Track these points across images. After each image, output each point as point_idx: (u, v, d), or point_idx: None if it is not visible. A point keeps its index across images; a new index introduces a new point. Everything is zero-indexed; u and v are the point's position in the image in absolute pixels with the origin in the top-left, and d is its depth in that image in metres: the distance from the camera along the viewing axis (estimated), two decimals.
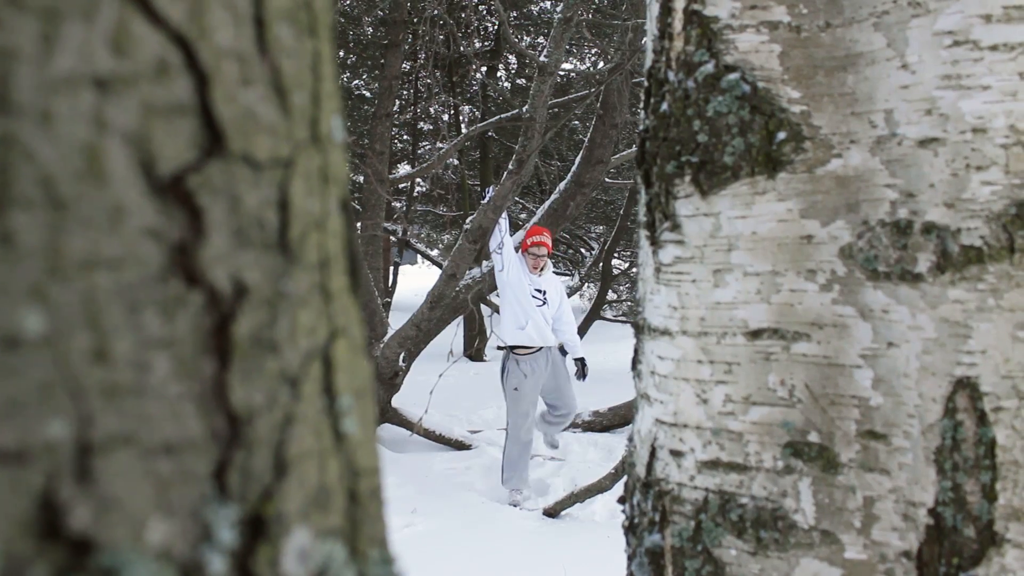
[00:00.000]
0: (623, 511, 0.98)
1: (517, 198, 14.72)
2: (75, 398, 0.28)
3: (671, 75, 0.86)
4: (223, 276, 0.32)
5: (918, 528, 0.76)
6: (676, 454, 0.88)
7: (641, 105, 0.93)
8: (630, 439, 0.99)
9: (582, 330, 11.00)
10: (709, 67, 0.83)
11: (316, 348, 0.35)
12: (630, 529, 0.95)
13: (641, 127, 0.91)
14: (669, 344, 0.88)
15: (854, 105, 0.78)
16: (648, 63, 0.91)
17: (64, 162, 0.27)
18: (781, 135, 0.80)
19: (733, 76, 0.81)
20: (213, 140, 0.31)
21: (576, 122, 15.15)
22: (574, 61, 13.32)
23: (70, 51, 0.27)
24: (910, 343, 0.76)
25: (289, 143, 0.34)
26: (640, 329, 0.95)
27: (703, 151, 0.83)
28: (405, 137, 16.22)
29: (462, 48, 8.85)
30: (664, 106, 0.86)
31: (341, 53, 13.75)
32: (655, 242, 0.89)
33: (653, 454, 0.91)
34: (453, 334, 6.85)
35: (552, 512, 5.33)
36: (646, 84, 0.91)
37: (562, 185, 6.97)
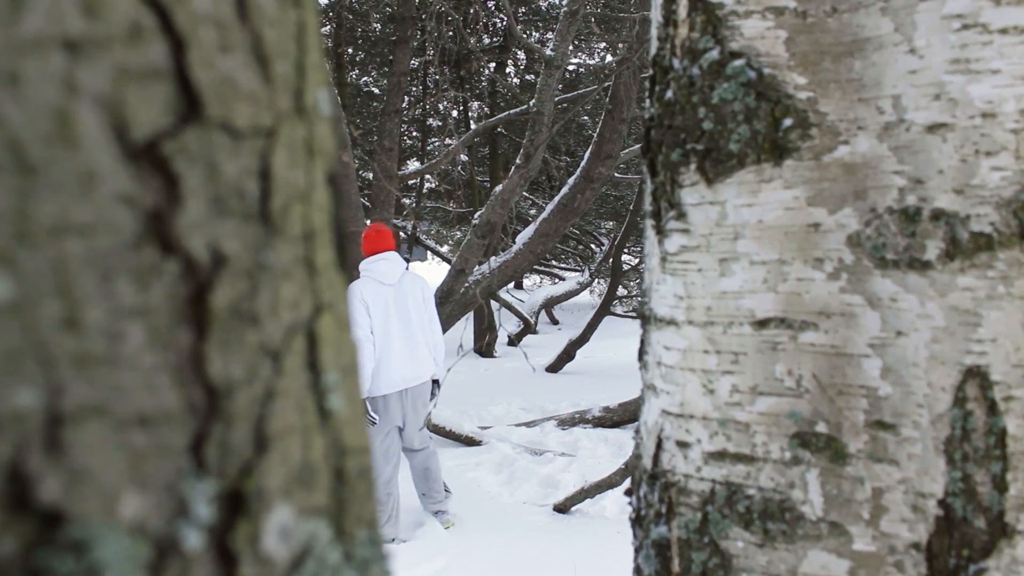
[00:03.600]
0: (630, 503, 0.97)
1: (526, 193, 14.71)
2: (45, 367, 0.27)
3: (676, 62, 0.85)
4: (200, 245, 0.31)
5: (927, 519, 0.76)
6: (682, 445, 0.87)
7: (646, 94, 0.92)
8: (637, 431, 0.98)
9: (592, 326, 11.00)
10: (714, 54, 0.82)
11: (300, 322, 0.34)
12: (637, 521, 0.94)
13: (646, 115, 0.90)
14: (675, 334, 0.87)
15: (861, 91, 0.77)
16: (653, 51, 0.90)
17: (33, 125, 0.27)
18: (787, 122, 0.79)
19: (738, 62, 0.80)
20: (190, 106, 0.30)
21: (585, 117, 15.13)
22: (582, 56, 13.31)
23: (39, 12, 0.26)
24: (919, 332, 0.75)
25: (271, 112, 0.33)
26: (646, 319, 0.94)
27: (708, 139, 0.82)
28: (414, 134, 16.23)
29: (470, 44, 8.85)
30: (669, 94, 0.86)
31: (350, 50, 13.76)
32: (661, 231, 0.89)
33: (659, 445, 0.90)
34: (462, 329, 6.84)
35: (562, 508, 5.33)
36: (651, 72, 0.90)
37: (571, 180, 6.96)
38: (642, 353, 0.96)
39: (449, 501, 5.14)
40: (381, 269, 4.79)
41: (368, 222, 8.27)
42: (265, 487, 0.32)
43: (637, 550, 0.93)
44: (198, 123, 0.30)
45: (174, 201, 0.30)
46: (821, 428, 0.79)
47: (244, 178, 0.32)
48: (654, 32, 0.90)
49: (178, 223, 0.30)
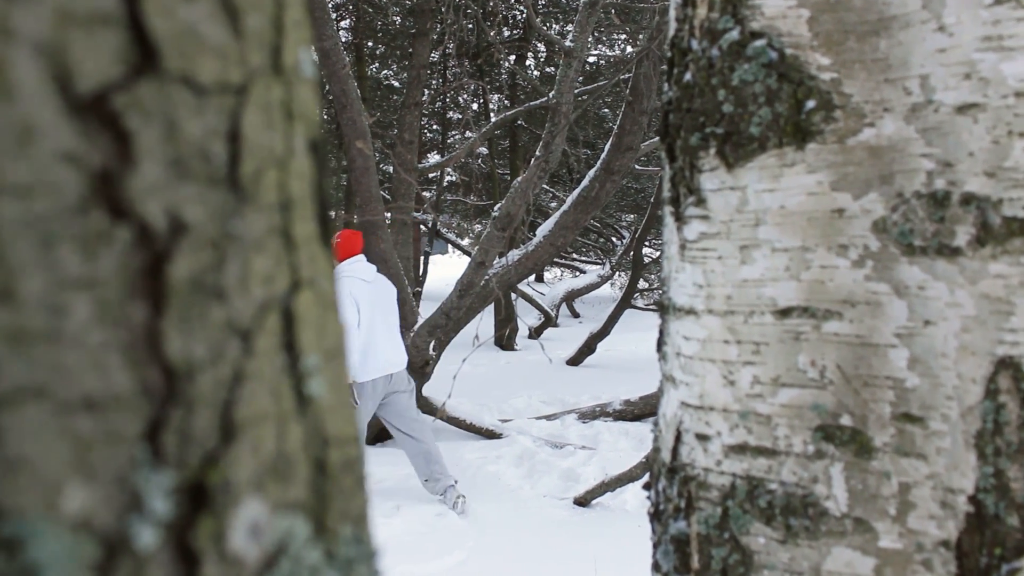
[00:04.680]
0: (648, 497, 0.95)
1: (547, 186, 14.68)
2: None
3: (694, 44, 0.82)
4: (156, 210, 0.28)
5: (957, 516, 0.73)
6: (702, 438, 0.84)
7: (664, 78, 0.89)
8: (655, 424, 0.96)
9: (613, 319, 10.96)
10: (734, 34, 0.79)
11: (274, 298, 0.32)
12: (655, 516, 0.92)
13: (664, 99, 0.88)
14: (694, 324, 0.85)
15: (887, 71, 0.74)
16: (671, 32, 0.87)
17: None
18: (810, 104, 0.76)
19: (759, 43, 0.78)
20: (144, 57, 0.28)
21: (606, 110, 15.08)
22: (603, 48, 13.24)
23: None
24: (948, 321, 0.72)
25: (242, 69, 0.30)
26: (665, 309, 0.92)
27: (728, 122, 0.79)
28: (435, 127, 16.23)
29: (490, 36, 8.81)
30: (687, 76, 0.83)
31: (369, 43, 13.76)
32: (679, 218, 0.86)
33: (678, 438, 0.87)
34: (479, 320, 6.83)
35: (583, 501, 5.31)
36: (669, 54, 0.87)
37: (591, 172, 6.91)
38: (661, 344, 0.94)
39: (453, 479, 5.33)
40: (360, 268, 5.26)
41: (389, 216, 8.28)
42: (232, 480, 0.29)
43: (656, 545, 0.91)
44: (154, 76, 0.28)
45: (126, 161, 0.27)
46: (846, 421, 0.76)
47: (209, 139, 0.29)
48: (672, 13, 0.88)
49: (131, 186, 0.28)
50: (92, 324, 0.27)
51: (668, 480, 0.89)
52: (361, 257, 5.35)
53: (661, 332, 0.94)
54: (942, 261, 0.72)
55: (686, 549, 0.85)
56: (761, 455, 0.80)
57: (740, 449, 0.81)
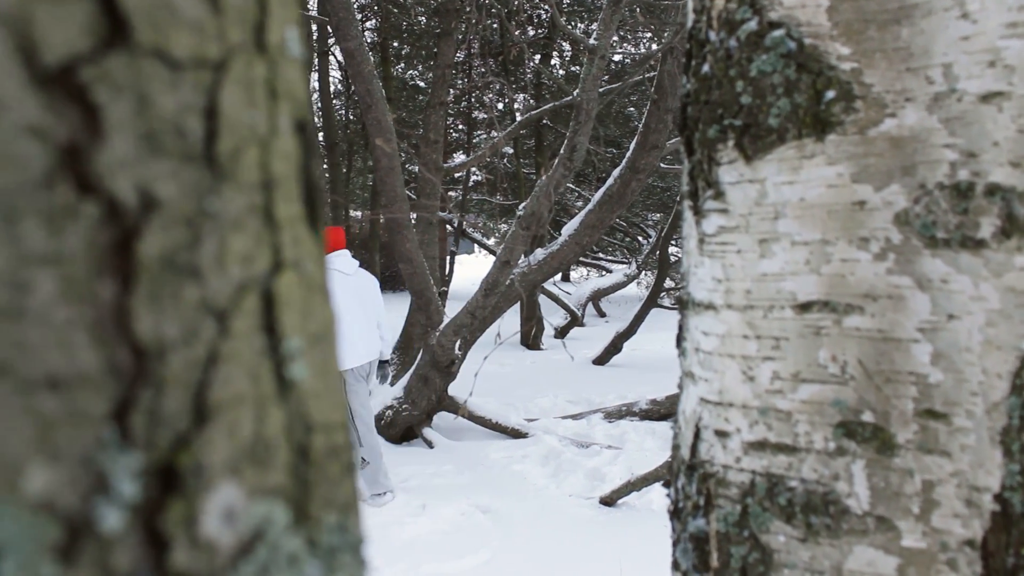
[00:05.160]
0: (667, 495, 0.94)
1: (573, 186, 14.65)
2: None
3: (712, 35, 0.81)
4: (126, 186, 0.27)
5: (983, 515, 0.71)
6: (721, 435, 0.83)
7: (683, 71, 0.88)
8: (675, 420, 0.95)
9: (639, 318, 10.92)
10: (752, 24, 0.78)
11: (253, 279, 0.31)
12: (675, 514, 0.91)
13: (682, 92, 0.87)
14: (713, 319, 0.84)
15: (909, 60, 0.73)
16: (689, 24, 0.86)
17: None
18: (830, 94, 0.74)
19: (778, 33, 0.76)
20: (114, 29, 0.27)
21: (631, 108, 15.02)
22: (628, 46, 13.20)
23: None
24: (972, 315, 0.71)
25: (220, 44, 0.30)
26: (684, 304, 0.91)
27: (747, 113, 0.78)
28: (460, 127, 16.26)
29: (514, 37, 8.80)
30: (705, 68, 0.82)
31: (395, 44, 13.80)
32: (698, 212, 0.85)
33: (697, 435, 0.86)
34: (501, 319, 6.83)
35: (608, 501, 5.29)
36: (687, 46, 0.86)
37: (616, 171, 6.89)
38: (680, 339, 0.93)
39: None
40: (341, 262, 5.65)
41: (415, 215, 8.29)
42: (206, 463, 0.29)
43: (675, 544, 0.90)
44: (125, 49, 0.27)
45: (94, 135, 0.27)
46: (867, 417, 0.74)
47: (184, 114, 0.29)
48: (690, 4, 0.87)
49: (99, 160, 0.27)
50: (57, 301, 0.26)
51: (687, 477, 0.88)
52: (343, 252, 5.72)
53: (680, 328, 0.93)
54: (966, 254, 0.70)
55: (705, 547, 0.84)
56: (781, 452, 0.78)
57: (760, 446, 0.80)
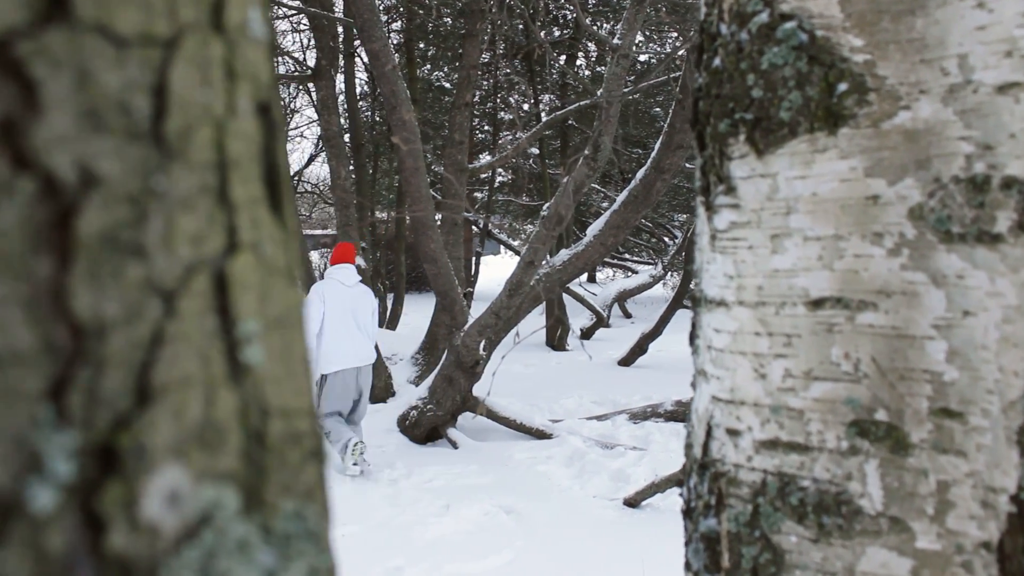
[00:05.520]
0: (680, 495, 0.92)
1: (599, 187, 14.62)
2: None
3: (723, 28, 0.80)
4: (64, 162, 0.27)
5: (999, 516, 0.69)
6: (733, 433, 0.82)
7: (695, 65, 0.87)
8: (688, 419, 0.94)
9: (665, 319, 10.87)
10: (763, 16, 0.77)
11: (203, 260, 0.30)
12: (687, 513, 0.90)
13: (694, 86, 0.86)
14: (725, 316, 0.82)
15: (924, 52, 0.71)
16: (701, 17, 0.85)
17: None
18: (842, 87, 0.73)
19: (789, 25, 0.75)
20: (54, 4, 0.27)
21: (657, 109, 14.96)
22: (654, 46, 13.15)
23: None
24: (988, 311, 0.69)
25: (170, 22, 0.29)
26: (697, 302, 0.89)
27: (758, 107, 0.77)
28: (486, 128, 16.27)
29: (539, 37, 8.79)
30: (717, 61, 0.81)
31: (421, 45, 13.84)
32: (710, 207, 0.84)
33: (709, 433, 0.85)
34: (524, 319, 6.84)
35: (633, 502, 5.26)
36: (698, 40, 0.85)
37: (641, 172, 6.86)
38: (693, 337, 0.92)
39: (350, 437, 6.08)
40: (343, 274, 6.31)
41: (440, 216, 8.32)
42: (148, 444, 0.28)
43: (686, 543, 0.89)
44: (64, 24, 0.27)
45: (31, 111, 0.26)
46: (881, 416, 0.73)
47: (129, 92, 0.28)
48: None
49: (36, 136, 0.26)
50: None
51: (699, 476, 0.87)
52: (347, 265, 6.40)
53: (693, 325, 0.92)
54: (982, 248, 0.69)
55: (716, 547, 0.83)
56: (793, 451, 0.77)
57: (771, 444, 0.79)
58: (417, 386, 7.49)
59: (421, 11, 11.61)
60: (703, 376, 0.88)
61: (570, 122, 13.18)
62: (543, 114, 13.96)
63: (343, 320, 6.14)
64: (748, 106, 0.78)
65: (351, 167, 10.71)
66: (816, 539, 0.76)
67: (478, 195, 16.73)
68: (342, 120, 10.53)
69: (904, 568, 0.72)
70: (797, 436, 0.77)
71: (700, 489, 0.86)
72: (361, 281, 6.47)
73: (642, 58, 13.30)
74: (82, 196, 0.27)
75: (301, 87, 15.16)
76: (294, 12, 10.53)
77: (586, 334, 13.27)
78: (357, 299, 6.26)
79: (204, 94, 0.30)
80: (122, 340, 0.28)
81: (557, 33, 14.86)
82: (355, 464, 5.94)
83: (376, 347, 6.57)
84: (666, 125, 6.79)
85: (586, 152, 6.04)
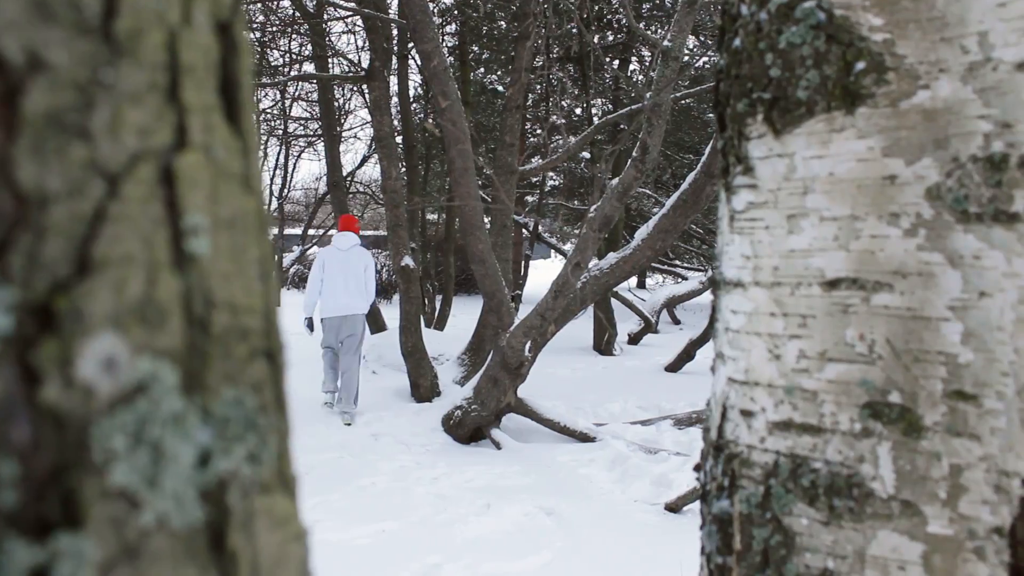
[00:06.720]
0: (697, 478, 0.92)
1: (650, 192, 14.54)
2: None
3: (744, 8, 0.80)
4: (14, 46, 0.29)
5: (1012, 501, 0.68)
6: (746, 414, 0.82)
7: (717, 46, 0.87)
8: (707, 403, 0.93)
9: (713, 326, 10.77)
10: None
11: (149, 151, 0.32)
12: (703, 496, 0.90)
13: (716, 68, 0.86)
14: (741, 296, 0.82)
15: (943, 30, 0.70)
16: None
17: None
18: (860, 65, 0.73)
19: (808, 4, 0.75)
20: None
21: (711, 115, 14.83)
22: (711, 53, 13.05)
23: None
24: (1005, 292, 0.68)
25: None
26: (716, 284, 0.89)
27: (776, 86, 0.77)
28: (538, 131, 16.28)
29: (592, 42, 8.79)
30: (737, 42, 0.81)
31: (475, 48, 13.90)
32: (728, 188, 0.84)
33: (724, 415, 0.85)
34: (571, 326, 6.83)
35: (674, 507, 5.23)
36: (720, 22, 0.85)
37: (691, 176, 6.81)
38: (713, 320, 0.91)
39: (354, 411, 7.66)
40: (341, 240, 7.94)
41: (489, 218, 8.35)
42: (86, 310, 0.30)
43: (701, 526, 0.89)
44: None
45: None
46: (895, 398, 0.72)
47: None
48: None
49: None
50: None
51: (714, 458, 0.87)
52: (347, 233, 8.01)
53: (713, 309, 0.91)
54: (999, 228, 0.68)
55: (728, 529, 0.82)
56: (806, 432, 0.77)
57: (785, 426, 0.78)
58: (463, 386, 7.52)
59: (475, 14, 11.67)
60: (721, 359, 0.88)
61: (621, 126, 13.13)
62: (595, 118, 13.93)
63: (334, 279, 7.74)
64: (766, 85, 0.77)
65: (402, 168, 10.79)
66: (827, 521, 0.75)
67: (529, 198, 16.74)
68: (395, 121, 10.62)
69: (915, 553, 0.72)
70: (810, 417, 0.76)
71: (715, 471, 0.86)
72: (361, 245, 8.04)
73: (699, 63, 13.20)
74: (29, 78, 0.29)
75: (355, 88, 15.32)
76: (349, 13, 10.66)
77: (634, 339, 13.20)
78: (348, 260, 7.78)
79: (157, 1, 0.32)
80: (64, 212, 0.30)
81: (611, 38, 14.82)
82: (326, 404, 7.89)
83: (373, 304, 8.62)
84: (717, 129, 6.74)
85: (634, 154, 6.02)
